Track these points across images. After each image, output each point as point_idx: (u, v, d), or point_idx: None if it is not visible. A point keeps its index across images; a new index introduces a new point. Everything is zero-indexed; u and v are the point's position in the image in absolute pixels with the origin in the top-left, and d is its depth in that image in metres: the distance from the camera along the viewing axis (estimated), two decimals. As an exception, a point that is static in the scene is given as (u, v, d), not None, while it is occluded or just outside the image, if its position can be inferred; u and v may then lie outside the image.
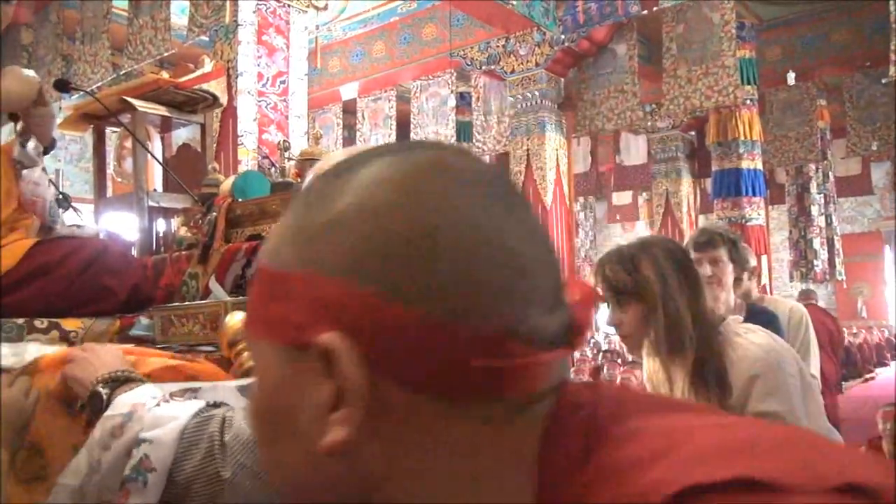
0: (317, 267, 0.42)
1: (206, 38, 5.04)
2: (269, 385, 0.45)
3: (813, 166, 8.79)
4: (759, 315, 2.30)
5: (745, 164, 7.26)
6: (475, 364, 0.40)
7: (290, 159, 1.76)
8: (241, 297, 1.53)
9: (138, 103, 1.84)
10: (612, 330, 1.64)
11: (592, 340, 9.21)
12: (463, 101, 8.04)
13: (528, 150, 7.28)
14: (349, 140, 8.84)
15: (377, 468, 0.42)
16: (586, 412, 0.42)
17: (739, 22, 6.75)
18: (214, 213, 1.70)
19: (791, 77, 7.45)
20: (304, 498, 0.45)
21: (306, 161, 1.68)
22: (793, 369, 1.49)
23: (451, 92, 7.83)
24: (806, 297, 6.44)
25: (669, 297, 1.40)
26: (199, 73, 2.11)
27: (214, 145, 4.31)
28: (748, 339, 1.46)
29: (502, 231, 0.42)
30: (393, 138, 8.33)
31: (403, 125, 8.26)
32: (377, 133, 8.37)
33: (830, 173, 8.98)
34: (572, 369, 6.37)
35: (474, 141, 8.00)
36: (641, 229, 11.86)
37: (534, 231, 0.44)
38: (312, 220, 0.43)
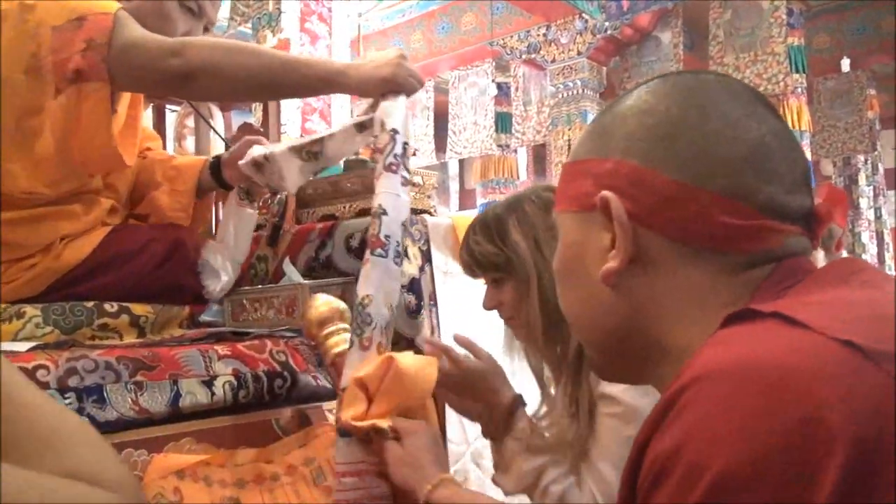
0: (600, 153, 0.60)
1: (247, 29, 4.98)
2: (568, 243, 0.63)
3: (861, 158, 8.52)
4: None
5: (794, 155, 7.03)
6: (713, 220, 0.54)
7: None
8: (317, 280, 1.44)
9: (202, 80, 1.76)
10: None
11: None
12: (501, 91, 7.90)
13: (569, 140, 7.13)
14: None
15: (640, 296, 0.58)
16: (795, 280, 0.53)
17: (788, 8, 6.53)
18: (285, 193, 1.61)
19: (846, 64, 7.20)
20: (589, 324, 0.63)
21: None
22: None
23: (492, 81, 7.71)
24: None
25: (544, 265, 1.06)
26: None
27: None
28: None
29: (743, 122, 0.56)
30: (430, 129, 8.24)
31: (441, 116, 8.17)
32: (413, 123, 8.28)
33: (880, 165, 8.69)
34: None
35: (513, 131, 7.87)
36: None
37: (777, 129, 0.57)
38: (601, 122, 0.62)
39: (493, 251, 1.12)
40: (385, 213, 1.04)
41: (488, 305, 1.16)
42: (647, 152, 0.56)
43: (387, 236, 1.02)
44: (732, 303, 0.53)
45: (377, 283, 1.01)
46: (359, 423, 0.93)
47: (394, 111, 1.16)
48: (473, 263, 1.16)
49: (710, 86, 0.58)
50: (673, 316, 0.56)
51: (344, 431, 0.95)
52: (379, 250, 1.02)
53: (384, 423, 0.92)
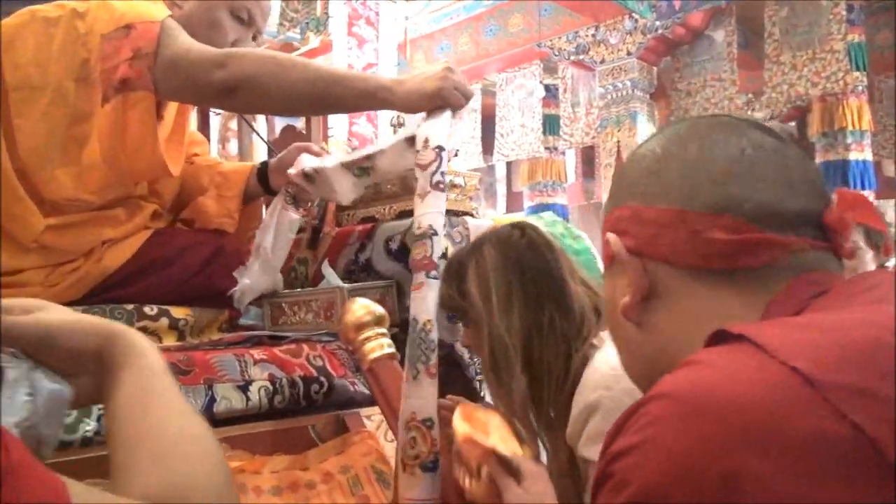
0: (612, 205, 0.64)
1: (295, 34, 5.02)
2: (607, 299, 0.66)
3: (926, 158, 8.19)
4: None
5: (854, 156, 6.77)
6: (705, 237, 0.55)
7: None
8: (356, 284, 1.42)
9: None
10: None
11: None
12: (549, 93, 7.81)
13: (618, 141, 7.00)
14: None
15: (664, 331, 0.59)
16: (811, 293, 0.53)
17: (848, 4, 6.31)
18: (326, 195, 1.59)
19: (910, 61, 6.93)
20: (637, 371, 0.65)
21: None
22: None
23: (540, 83, 7.63)
24: None
25: (491, 313, 1.05)
26: (305, 49, 2.01)
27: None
28: (603, 355, 1.01)
29: (721, 140, 0.59)
30: (478, 132, 8.20)
31: (488, 118, 8.12)
32: (461, 126, 8.24)
33: (946, 166, 8.35)
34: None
35: (561, 133, 7.77)
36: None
37: (760, 141, 0.59)
38: (612, 184, 0.66)
39: (451, 295, 1.11)
40: (436, 233, 1.01)
41: (463, 343, 1.16)
42: (643, 191, 0.61)
43: (438, 257, 1.01)
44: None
45: (435, 306, 0.99)
46: (495, 448, 0.86)
47: (438, 127, 1.13)
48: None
49: (695, 121, 0.63)
50: (693, 346, 0.54)
51: (429, 465, 0.93)
52: (434, 272, 1.00)
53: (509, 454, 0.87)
